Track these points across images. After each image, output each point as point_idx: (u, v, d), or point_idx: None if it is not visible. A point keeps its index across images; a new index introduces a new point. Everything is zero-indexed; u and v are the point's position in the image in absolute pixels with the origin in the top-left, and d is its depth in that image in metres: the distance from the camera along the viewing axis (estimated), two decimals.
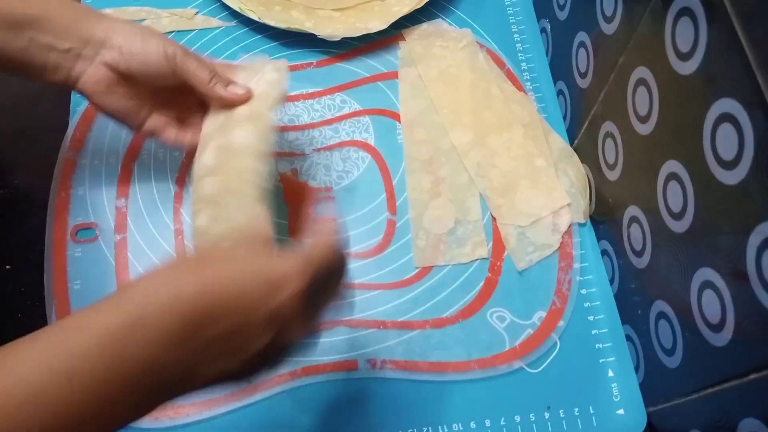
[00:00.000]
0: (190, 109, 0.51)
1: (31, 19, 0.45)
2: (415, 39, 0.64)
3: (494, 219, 0.56)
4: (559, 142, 0.59)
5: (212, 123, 0.49)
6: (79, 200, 0.56)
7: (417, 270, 0.54)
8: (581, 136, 0.57)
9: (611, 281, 0.54)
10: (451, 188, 0.57)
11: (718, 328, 0.38)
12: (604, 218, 0.55)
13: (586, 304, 0.53)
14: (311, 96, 0.62)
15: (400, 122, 0.60)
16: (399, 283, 0.53)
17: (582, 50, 0.55)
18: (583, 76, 0.55)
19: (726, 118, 0.35)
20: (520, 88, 0.62)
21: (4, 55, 0.45)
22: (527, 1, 0.68)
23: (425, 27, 0.65)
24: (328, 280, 0.37)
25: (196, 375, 0.33)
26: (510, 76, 0.63)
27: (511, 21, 0.67)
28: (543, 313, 0.53)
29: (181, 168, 0.57)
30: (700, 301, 0.40)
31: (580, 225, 0.56)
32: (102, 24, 0.47)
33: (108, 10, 0.65)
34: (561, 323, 0.52)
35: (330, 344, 0.51)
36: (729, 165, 0.35)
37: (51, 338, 0.31)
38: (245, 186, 0.44)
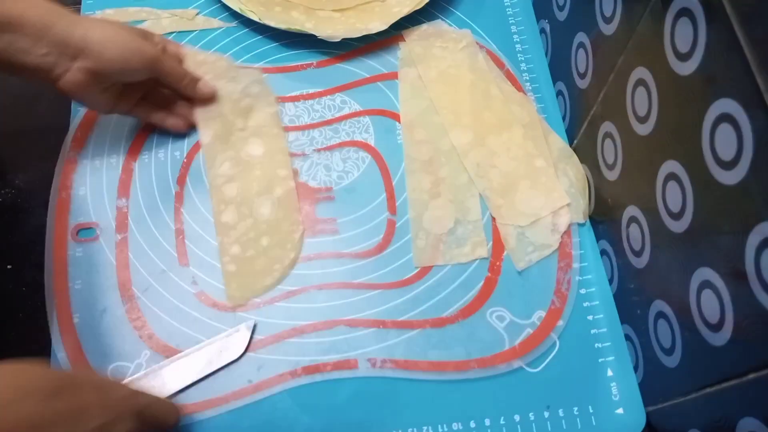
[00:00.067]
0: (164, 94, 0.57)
1: (7, 23, 0.45)
2: (414, 40, 0.65)
3: (494, 219, 0.56)
4: (558, 142, 0.59)
5: (207, 134, 0.57)
6: (79, 200, 0.56)
7: (417, 270, 0.54)
8: (580, 136, 0.57)
9: (610, 281, 0.54)
10: (450, 188, 0.57)
11: (717, 327, 0.38)
12: (603, 218, 0.55)
13: (586, 304, 0.53)
14: (311, 96, 0.62)
15: (400, 122, 0.60)
16: (399, 283, 0.53)
17: (581, 51, 0.55)
18: (582, 76, 0.55)
19: (725, 118, 0.35)
20: (519, 88, 0.62)
21: None
22: (527, 1, 0.68)
23: (425, 28, 0.66)
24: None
25: None
26: (509, 77, 0.63)
27: (510, 22, 0.67)
28: (542, 313, 0.53)
29: (182, 168, 0.58)
30: (699, 300, 0.40)
31: (580, 225, 0.56)
32: (79, 28, 0.48)
33: (109, 11, 0.65)
34: (560, 323, 0.52)
35: (330, 344, 0.51)
36: (728, 165, 0.35)
37: None
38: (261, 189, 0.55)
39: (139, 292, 0.52)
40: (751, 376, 0.36)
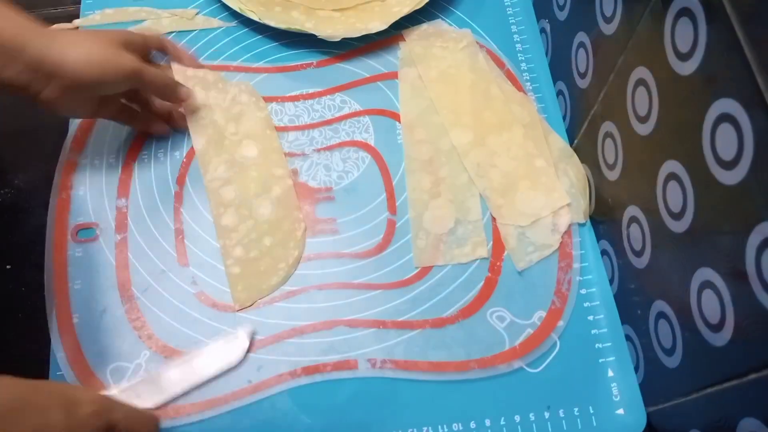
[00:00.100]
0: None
1: None
2: (415, 39, 0.64)
3: (494, 219, 0.56)
4: (558, 142, 0.59)
5: (200, 140, 0.58)
6: (79, 200, 0.56)
7: (417, 270, 0.54)
8: (581, 136, 0.57)
9: (611, 281, 0.54)
10: (451, 188, 0.57)
11: (717, 328, 0.38)
12: (603, 218, 0.55)
13: (586, 304, 0.53)
14: (311, 96, 0.62)
15: (400, 122, 0.60)
16: (399, 283, 0.53)
17: (581, 50, 0.55)
18: (582, 76, 0.55)
19: (725, 118, 0.35)
20: (519, 88, 0.62)
21: None
22: (527, 1, 0.68)
23: (425, 27, 0.65)
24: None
25: None
26: (510, 77, 0.63)
27: (510, 21, 0.67)
28: (543, 313, 0.53)
29: (181, 168, 0.57)
30: (700, 301, 0.40)
31: (580, 225, 0.56)
32: (54, 47, 0.47)
33: (108, 11, 0.65)
34: (561, 323, 0.52)
35: (330, 344, 0.51)
36: (728, 165, 0.35)
37: None
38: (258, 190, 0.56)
39: (139, 293, 0.52)
40: (752, 376, 0.36)
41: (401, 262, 0.54)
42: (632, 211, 0.48)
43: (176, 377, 0.49)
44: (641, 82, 0.44)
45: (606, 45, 0.49)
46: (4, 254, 0.54)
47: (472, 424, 0.49)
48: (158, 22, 0.65)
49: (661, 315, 0.45)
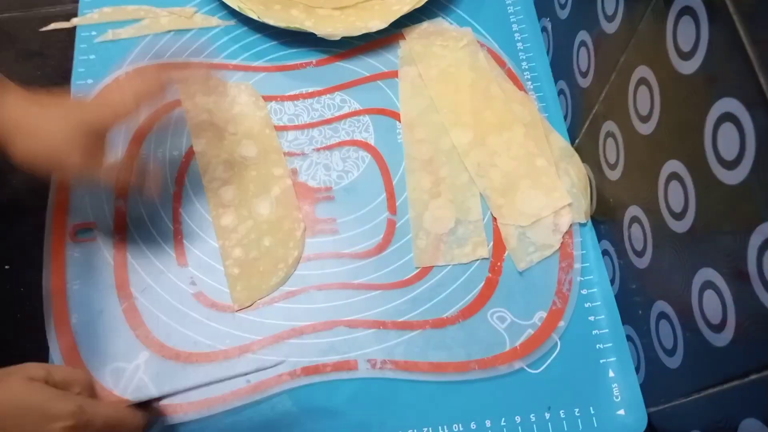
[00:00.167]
0: None
1: None
2: (415, 38, 0.64)
3: (495, 219, 0.56)
4: (560, 141, 0.59)
5: (199, 141, 0.58)
6: (78, 200, 0.56)
7: (417, 270, 0.54)
8: (582, 135, 0.57)
9: (612, 281, 0.54)
10: (451, 188, 0.56)
11: (719, 328, 0.38)
12: (604, 218, 0.54)
13: (587, 305, 0.53)
14: (311, 95, 0.61)
15: (400, 122, 0.60)
16: (399, 283, 0.53)
17: (583, 49, 0.54)
18: (584, 75, 0.55)
19: (727, 117, 0.35)
20: (520, 87, 0.62)
21: None
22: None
23: (425, 26, 0.65)
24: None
25: None
26: (511, 76, 0.63)
27: (511, 20, 0.67)
28: (543, 314, 0.52)
29: (180, 168, 0.57)
30: (701, 301, 0.39)
31: (581, 225, 0.56)
32: (5, 126, 0.44)
33: (106, 9, 0.65)
34: (562, 323, 0.52)
35: (330, 344, 0.51)
36: (730, 165, 0.35)
37: None
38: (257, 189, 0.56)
39: (137, 293, 0.52)
40: (753, 377, 0.35)
41: (401, 263, 0.54)
42: (633, 211, 0.48)
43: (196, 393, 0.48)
44: (643, 81, 0.44)
45: (607, 44, 0.49)
46: (2, 254, 0.54)
47: (473, 425, 0.49)
48: (157, 21, 0.64)
49: (662, 315, 0.45)
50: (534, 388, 0.50)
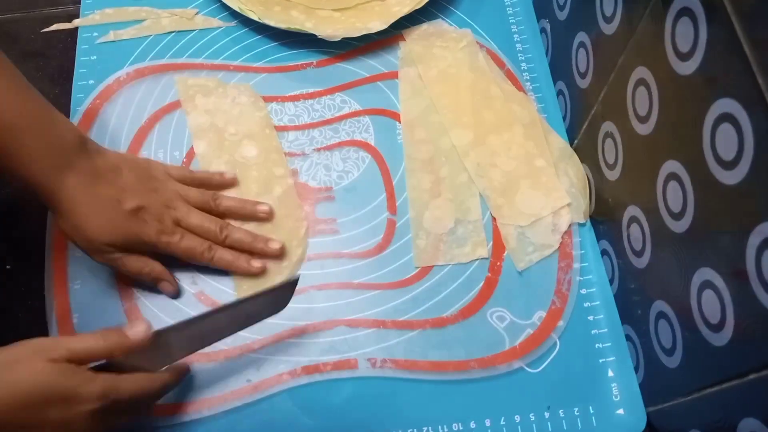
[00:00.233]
0: None
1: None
2: (415, 39, 0.64)
3: (494, 219, 0.56)
4: (558, 141, 0.59)
5: (200, 143, 0.58)
6: None
7: (417, 270, 0.54)
8: (581, 136, 0.57)
9: (611, 281, 0.54)
10: (451, 188, 0.57)
11: (717, 327, 0.38)
12: (603, 218, 0.55)
13: (586, 304, 0.53)
14: (311, 96, 0.62)
15: (400, 122, 0.60)
16: (399, 283, 0.53)
17: (582, 50, 0.55)
18: (582, 76, 0.55)
19: (726, 118, 0.35)
20: (520, 88, 0.62)
21: None
22: (527, 1, 0.68)
23: (425, 27, 0.65)
24: (127, 409, 0.42)
25: None
26: (510, 76, 0.63)
27: (510, 21, 0.67)
28: (543, 313, 0.53)
29: None
30: (700, 300, 0.40)
31: (580, 225, 0.56)
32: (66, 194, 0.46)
33: (108, 11, 0.65)
34: (561, 323, 0.52)
35: (330, 344, 0.51)
36: (729, 165, 0.35)
37: None
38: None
39: (139, 292, 0.52)
40: (752, 376, 0.36)
41: (401, 262, 0.54)
42: (632, 211, 0.48)
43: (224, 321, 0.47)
44: (641, 81, 0.44)
45: (606, 45, 0.49)
46: (4, 254, 0.54)
47: (472, 424, 0.49)
48: (158, 22, 0.65)
49: (661, 315, 0.45)
50: (533, 388, 0.50)
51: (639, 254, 0.48)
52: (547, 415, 0.49)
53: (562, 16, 0.59)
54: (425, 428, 0.49)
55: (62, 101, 0.60)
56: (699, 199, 0.39)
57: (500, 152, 0.58)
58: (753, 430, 0.36)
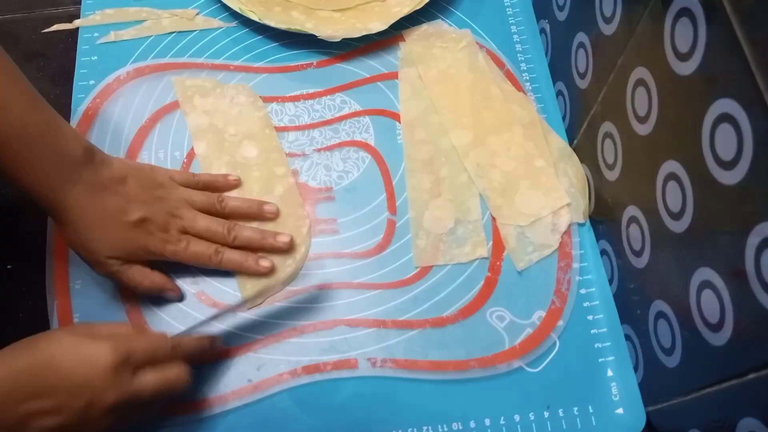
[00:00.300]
0: None
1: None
2: (415, 40, 0.65)
3: (494, 219, 0.56)
4: (558, 142, 0.59)
5: (200, 145, 0.58)
6: None
7: (417, 269, 0.54)
8: (580, 136, 0.57)
9: (610, 281, 0.54)
10: (451, 188, 0.57)
11: (717, 327, 0.38)
12: (603, 218, 0.55)
13: (586, 304, 0.53)
14: (311, 96, 0.62)
15: (400, 122, 0.60)
16: (399, 283, 0.53)
17: (581, 51, 0.55)
18: (582, 76, 0.55)
19: (725, 118, 0.35)
20: (519, 88, 0.62)
21: None
22: (527, 1, 0.68)
23: (425, 28, 0.66)
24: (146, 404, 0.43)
25: None
26: (509, 77, 0.63)
27: (510, 22, 0.67)
28: (542, 313, 0.53)
29: (182, 167, 0.57)
30: (699, 300, 0.40)
31: (580, 225, 0.56)
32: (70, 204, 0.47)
33: (108, 11, 0.65)
34: (560, 323, 0.52)
35: (330, 343, 0.51)
36: (728, 165, 0.35)
37: None
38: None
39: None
40: (752, 376, 0.36)
41: (401, 262, 0.54)
42: (632, 211, 0.48)
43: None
44: (641, 82, 0.44)
45: (606, 45, 0.49)
46: (5, 254, 0.54)
47: (472, 424, 0.49)
48: (158, 23, 0.65)
49: (660, 315, 0.45)
50: (533, 387, 0.50)
51: (638, 254, 0.48)
52: (546, 414, 0.49)
53: (561, 16, 0.59)
54: (425, 428, 0.49)
55: (63, 101, 0.60)
56: (698, 199, 0.39)
57: (500, 152, 0.58)
58: (752, 429, 0.36)
